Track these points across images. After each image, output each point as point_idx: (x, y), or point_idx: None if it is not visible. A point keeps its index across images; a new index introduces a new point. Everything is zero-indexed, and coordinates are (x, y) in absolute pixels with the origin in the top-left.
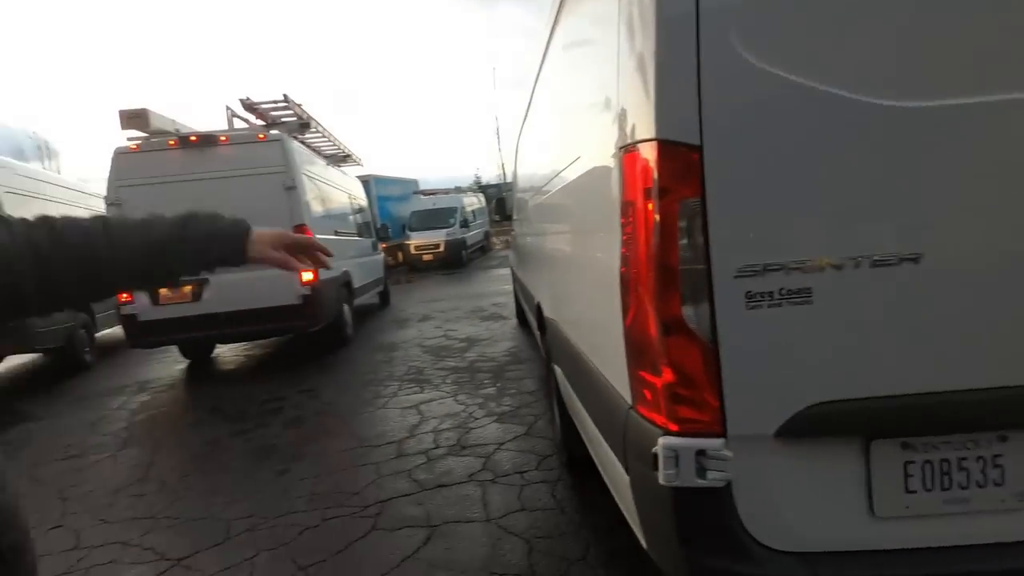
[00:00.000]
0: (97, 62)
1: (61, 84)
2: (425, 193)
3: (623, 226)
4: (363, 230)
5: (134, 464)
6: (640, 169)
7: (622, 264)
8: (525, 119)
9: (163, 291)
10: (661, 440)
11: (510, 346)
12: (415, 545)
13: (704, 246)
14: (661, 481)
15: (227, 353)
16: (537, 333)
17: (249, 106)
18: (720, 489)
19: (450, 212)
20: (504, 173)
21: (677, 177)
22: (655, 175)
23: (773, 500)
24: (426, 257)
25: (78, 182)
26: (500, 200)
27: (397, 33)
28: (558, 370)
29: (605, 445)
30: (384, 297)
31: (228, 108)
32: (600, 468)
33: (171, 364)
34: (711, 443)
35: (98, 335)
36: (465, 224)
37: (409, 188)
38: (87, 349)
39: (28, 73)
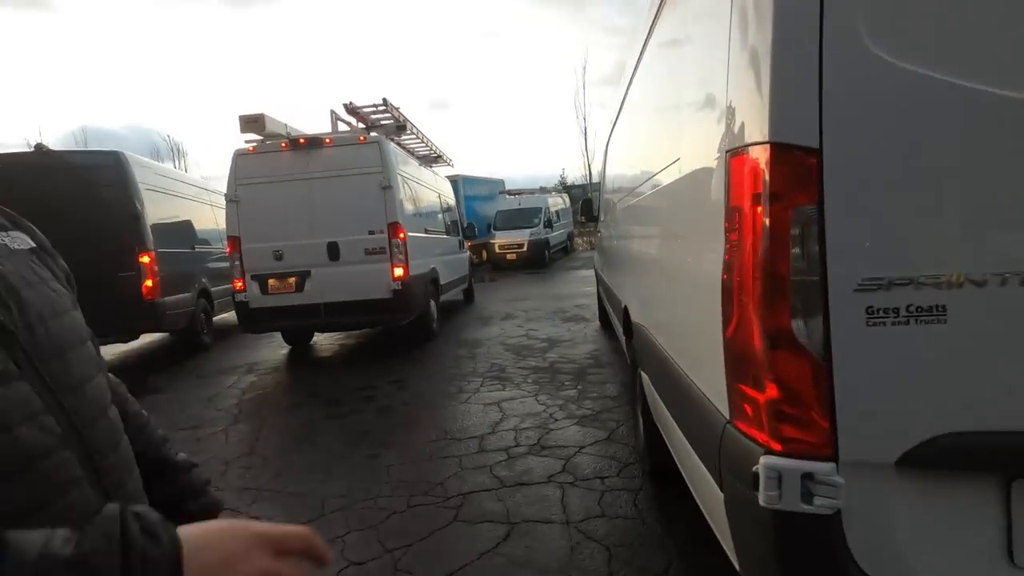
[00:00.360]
0: (219, 69)
1: (187, 88)
2: (510, 193)
3: (727, 232)
4: (451, 228)
5: (242, 439)
6: (748, 173)
7: (724, 271)
8: (616, 120)
9: (271, 281)
10: (763, 459)
11: (592, 349)
12: (495, 540)
13: (820, 256)
14: (761, 503)
15: (324, 341)
16: (622, 338)
17: (351, 110)
18: (828, 517)
19: (534, 212)
20: (589, 173)
21: (791, 182)
22: (766, 180)
23: (890, 535)
24: (509, 256)
25: (202, 180)
26: (586, 201)
27: (486, 34)
28: (645, 376)
29: (696, 458)
30: (468, 294)
31: (332, 112)
32: (688, 481)
33: (275, 348)
34: (820, 467)
35: (215, 319)
36: (549, 224)
37: (495, 188)
38: (205, 331)
39: (159, 77)
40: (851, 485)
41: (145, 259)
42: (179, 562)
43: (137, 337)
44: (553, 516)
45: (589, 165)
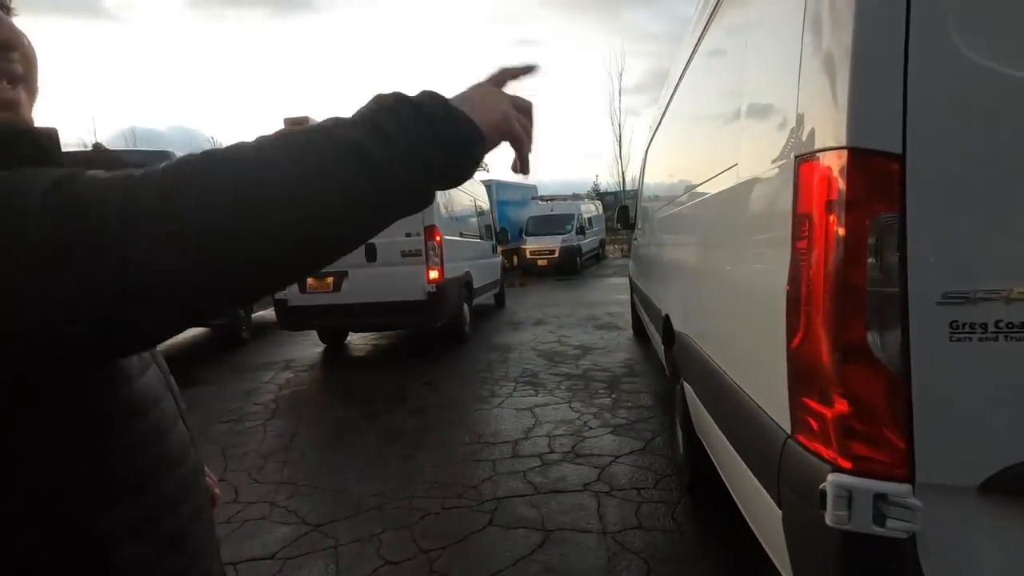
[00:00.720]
0: (264, 73)
1: (232, 92)
2: (543, 199)
3: (794, 240)
4: (484, 233)
5: (280, 433)
6: (820, 180)
7: (789, 281)
8: (658, 126)
9: (310, 280)
10: (831, 477)
11: (625, 357)
12: (530, 547)
13: (900, 267)
14: (828, 522)
15: (357, 341)
16: (661, 347)
17: None
18: (901, 541)
19: (567, 218)
20: (623, 180)
21: (870, 190)
22: (841, 187)
23: (969, 564)
24: (540, 262)
25: None
26: (623, 208)
27: (520, 42)
28: (688, 387)
29: (748, 473)
30: (500, 299)
31: None
32: (736, 497)
33: (310, 346)
34: (896, 488)
35: (254, 315)
36: (581, 231)
37: (528, 194)
38: (245, 327)
39: (206, 81)
40: (928, 509)
41: None
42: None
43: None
44: (589, 525)
45: (623, 172)
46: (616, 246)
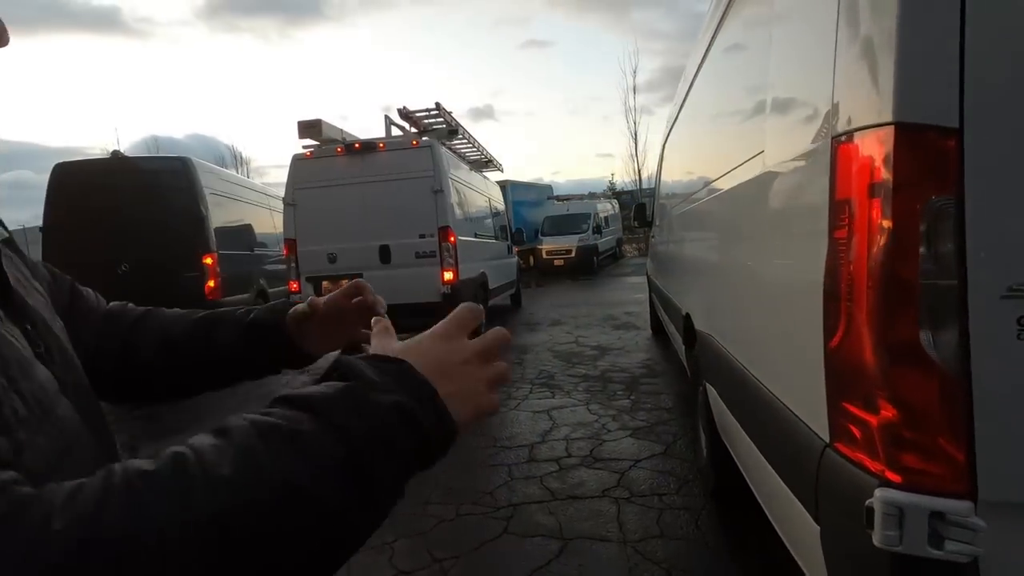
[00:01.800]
0: (280, 81)
1: (251, 100)
2: (559, 199)
3: (832, 229)
4: (499, 233)
5: None
6: (863, 160)
7: (827, 274)
8: (674, 122)
9: (325, 283)
10: (879, 492)
11: (644, 358)
12: (547, 557)
13: (958, 257)
14: (877, 543)
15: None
16: (681, 347)
17: (405, 114)
18: (962, 566)
19: (583, 218)
20: (639, 179)
21: (922, 170)
22: (887, 168)
23: None
24: (557, 262)
25: (262, 185)
26: (639, 206)
27: (531, 43)
28: (711, 390)
29: (780, 484)
30: (516, 299)
31: (387, 117)
32: (766, 508)
33: None
34: (956, 505)
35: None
36: (598, 230)
37: (544, 194)
38: None
39: (219, 88)
40: (993, 529)
41: (208, 260)
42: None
43: None
44: (609, 534)
45: (639, 170)
46: (633, 245)
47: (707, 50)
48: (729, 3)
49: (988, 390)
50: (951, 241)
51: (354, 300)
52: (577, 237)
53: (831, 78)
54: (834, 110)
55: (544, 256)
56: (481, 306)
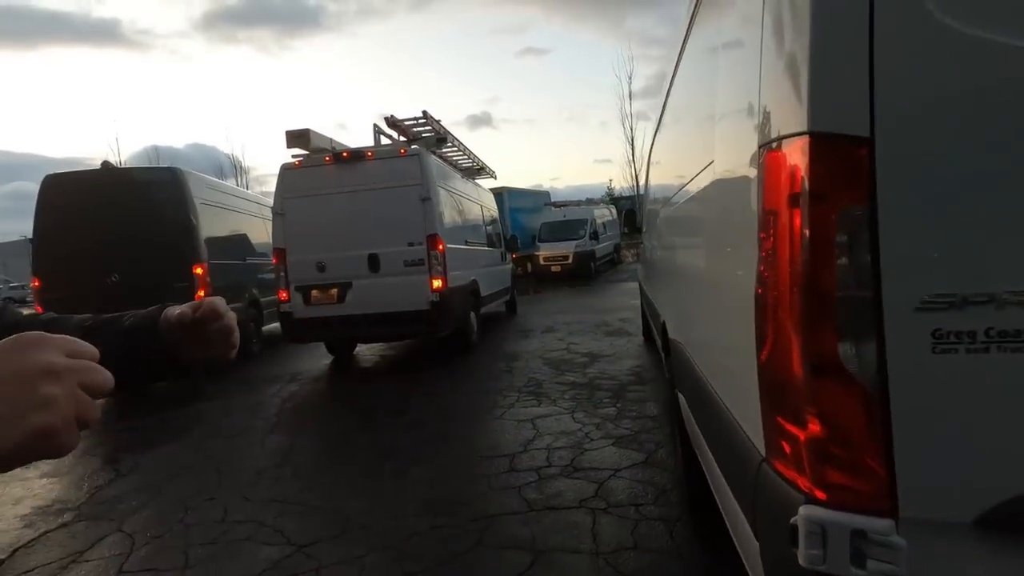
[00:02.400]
0: (278, 90)
1: (246, 104)
2: (556, 205)
3: (761, 240)
4: (493, 240)
5: (277, 448)
6: (785, 171)
7: (758, 284)
8: (657, 129)
9: (314, 292)
10: (803, 510)
11: (634, 364)
12: (518, 569)
13: (872, 267)
14: (802, 562)
15: (365, 352)
16: (662, 353)
17: (392, 123)
18: None
19: (580, 224)
20: (636, 184)
21: (836, 179)
22: (804, 177)
23: None
24: (554, 268)
25: (257, 194)
26: (630, 212)
27: (527, 51)
28: (682, 398)
29: (731, 497)
30: (511, 306)
31: (375, 125)
32: (726, 520)
33: (319, 358)
34: (876, 523)
35: (264, 328)
36: (595, 236)
37: (541, 200)
38: (254, 340)
39: (217, 98)
40: (915, 548)
41: (198, 270)
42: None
43: None
44: (582, 546)
45: (636, 175)
46: (631, 251)
47: (677, 61)
48: (692, 16)
49: (906, 405)
50: (866, 252)
51: (214, 325)
52: (574, 243)
53: (759, 90)
54: (763, 117)
55: (541, 262)
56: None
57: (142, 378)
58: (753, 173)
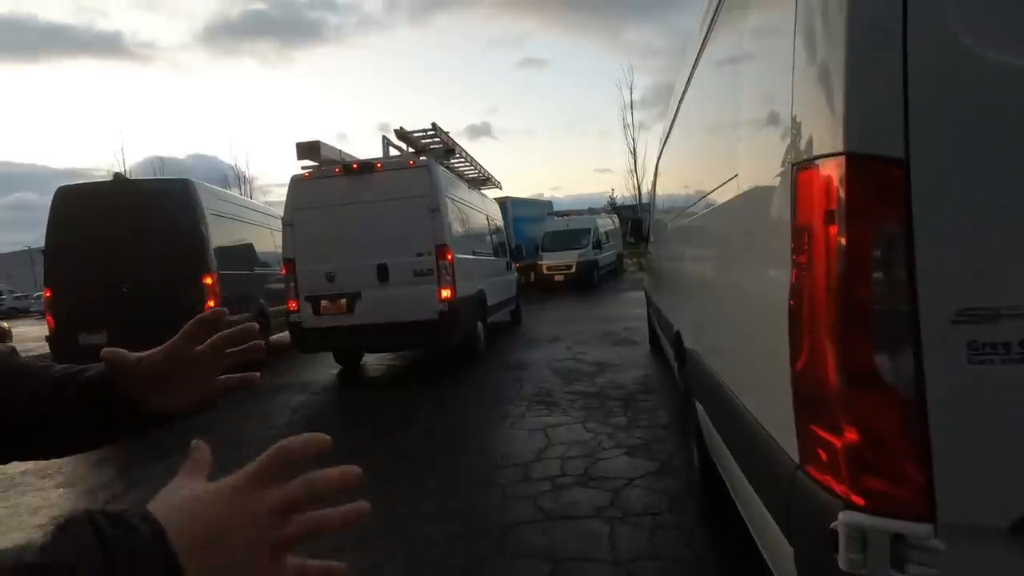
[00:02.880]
0: (275, 99)
1: (248, 115)
2: (559, 214)
3: (794, 254)
4: (498, 250)
5: None
6: (819, 189)
7: (791, 296)
8: (666, 139)
9: (324, 302)
10: (843, 515)
11: (642, 374)
12: None
13: (908, 281)
14: (842, 566)
15: (373, 362)
16: (674, 363)
17: (402, 135)
18: None
19: (583, 233)
20: (639, 193)
21: (872, 198)
22: (841, 196)
23: None
24: (557, 277)
25: (264, 205)
26: (636, 221)
27: (527, 62)
28: (700, 408)
29: (759, 504)
30: (516, 316)
31: (384, 138)
32: (750, 527)
33: (327, 368)
34: (916, 528)
35: (272, 338)
36: (598, 245)
37: (544, 210)
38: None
39: (220, 110)
40: (953, 552)
41: (208, 280)
42: (166, 543)
43: None
44: (601, 554)
45: (639, 184)
46: (634, 260)
47: (692, 69)
48: (710, 26)
49: (943, 413)
50: (902, 267)
51: (200, 348)
52: (577, 252)
53: (790, 108)
54: (795, 136)
55: (544, 272)
56: (323, 437)
57: (91, 436)
58: (784, 188)
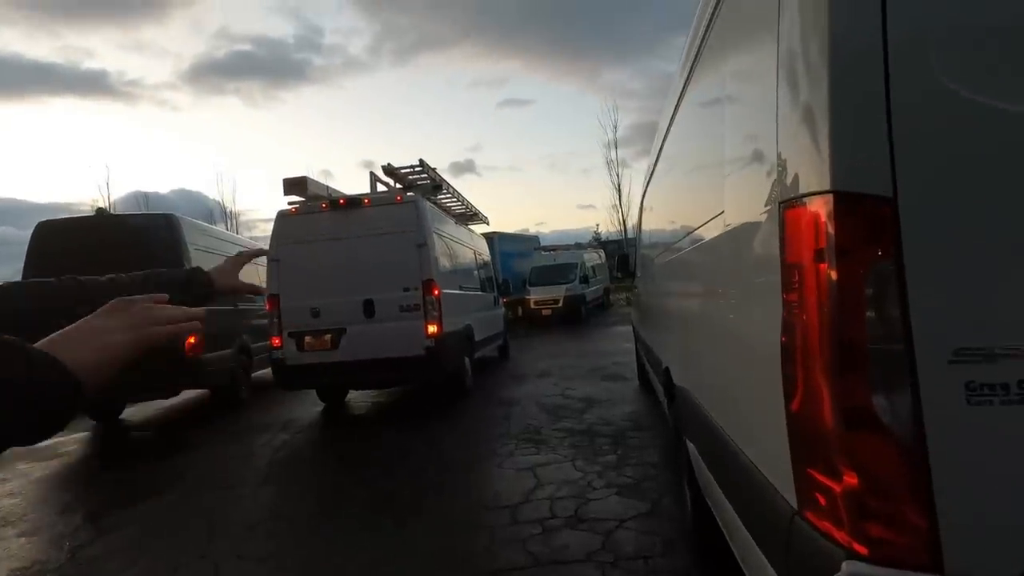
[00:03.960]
0: (261, 134)
1: (233, 151)
2: (546, 249)
3: (785, 291)
4: (486, 285)
5: (270, 501)
6: (807, 227)
7: (783, 333)
8: (651, 175)
9: (307, 338)
10: (846, 566)
11: (631, 410)
12: None
13: (903, 320)
14: None
15: (358, 399)
16: (664, 400)
17: (390, 171)
18: None
19: (570, 267)
20: (624, 228)
21: (862, 236)
22: (830, 233)
23: None
24: (545, 312)
25: (249, 240)
26: (622, 256)
27: (509, 102)
28: (691, 447)
29: (757, 551)
30: (503, 351)
31: (372, 173)
32: (747, 572)
33: (310, 405)
34: None
35: (254, 375)
36: (585, 280)
37: (531, 245)
38: (243, 388)
39: (206, 147)
40: None
41: None
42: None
43: (177, 393)
44: None
45: (624, 220)
46: (621, 294)
47: (675, 110)
48: (692, 66)
49: (944, 457)
50: (896, 305)
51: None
52: (564, 287)
53: (775, 146)
54: (781, 174)
55: (532, 306)
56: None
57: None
58: (771, 225)
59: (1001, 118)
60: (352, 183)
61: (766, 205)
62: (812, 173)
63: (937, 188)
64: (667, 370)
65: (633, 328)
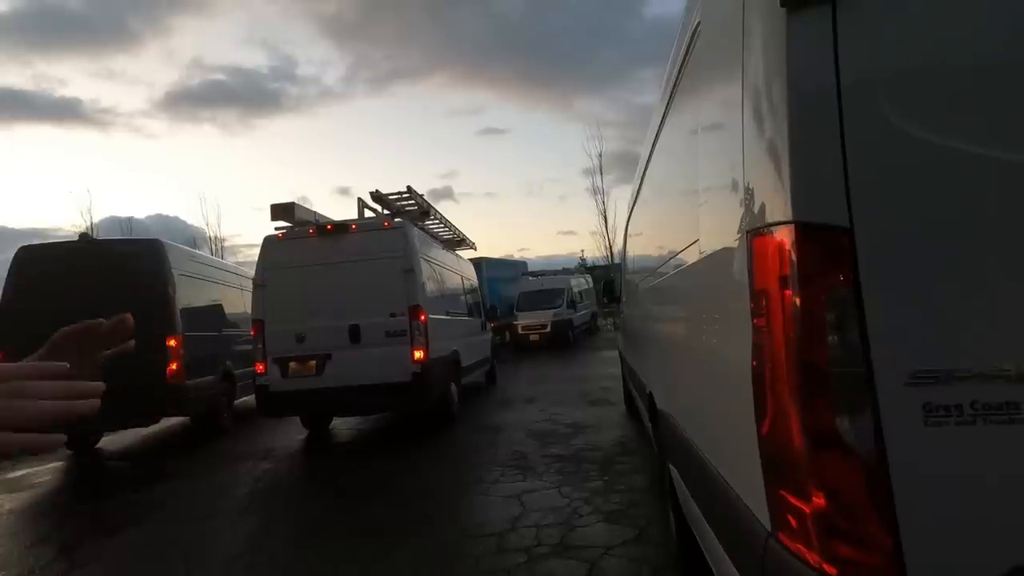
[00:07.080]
0: (238, 160)
1: (209, 178)
2: (534, 274)
3: (754, 316)
4: (473, 310)
5: (250, 532)
6: (773, 255)
7: (753, 357)
8: (634, 202)
9: (292, 364)
10: None
11: (618, 435)
12: None
13: (861, 344)
14: None
15: (342, 426)
16: (648, 425)
17: (377, 197)
18: None
19: (557, 293)
20: (611, 254)
21: (821, 263)
22: (793, 261)
23: None
24: (532, 337)
25: (234, 265)
26: (608, 282)
27: (487, 131)
28: (674, 471)
29: (736, 573)
30: (491, 376)
31: (359, 199)
32: None
33: (293, 433)
34: None
35: (236, 402)
36: (572, 305)
37: (519, 270)
38: (225, 414)
39: (184, 170)
40: None
41: (172, 343)
42: None
43: (158, 421)
44: None
45: (610, 245)
46: (608, 319)
47: (655, 139)
48: (670, 99)
49: (906, 477)
50: (855, 330)
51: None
52: (552, 312)
53: (743, 177)
54: (748, 206)
55: (519, 331)
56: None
57: None
58: (741, 252)
59: (948, 154)
60: (330, 209)
61: (737, 233)
62: (776, 204)
63: (891, 219)
64: (651, 395)
65: (619, 353)
